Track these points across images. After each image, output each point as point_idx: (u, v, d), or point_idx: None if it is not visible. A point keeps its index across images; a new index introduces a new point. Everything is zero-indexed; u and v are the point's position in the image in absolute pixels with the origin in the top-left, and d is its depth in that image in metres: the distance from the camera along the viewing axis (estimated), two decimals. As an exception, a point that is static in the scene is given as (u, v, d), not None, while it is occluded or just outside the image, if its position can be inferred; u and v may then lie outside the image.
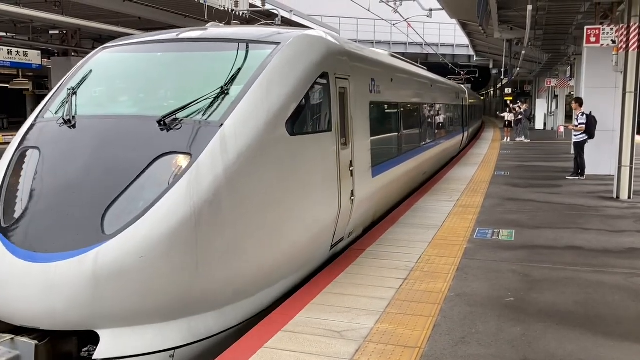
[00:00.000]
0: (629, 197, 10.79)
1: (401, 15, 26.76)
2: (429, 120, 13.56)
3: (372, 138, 7.83)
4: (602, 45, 11.37)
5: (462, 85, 27.04)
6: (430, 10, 26.77)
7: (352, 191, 6.75)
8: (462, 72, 41.32)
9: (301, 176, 5.55)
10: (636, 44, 10.39)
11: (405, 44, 41.11)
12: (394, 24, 32.25)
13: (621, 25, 10.84)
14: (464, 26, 27.81)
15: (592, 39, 11.37)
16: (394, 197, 9.81)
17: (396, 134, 9.81)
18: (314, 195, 5.77)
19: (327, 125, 6.16)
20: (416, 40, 37.00)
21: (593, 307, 5.19)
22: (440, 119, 15.56)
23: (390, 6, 24.37)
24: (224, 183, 4.62)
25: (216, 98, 5.11)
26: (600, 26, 11.45)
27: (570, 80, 27.11)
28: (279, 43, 5.73)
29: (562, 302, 5.27)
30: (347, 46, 7.32)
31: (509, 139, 27.34)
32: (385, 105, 9.11)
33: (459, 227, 8.33)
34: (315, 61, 5.92)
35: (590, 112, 13.13)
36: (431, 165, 13.75)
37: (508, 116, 29.27)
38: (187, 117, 4.97)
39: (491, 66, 45.80)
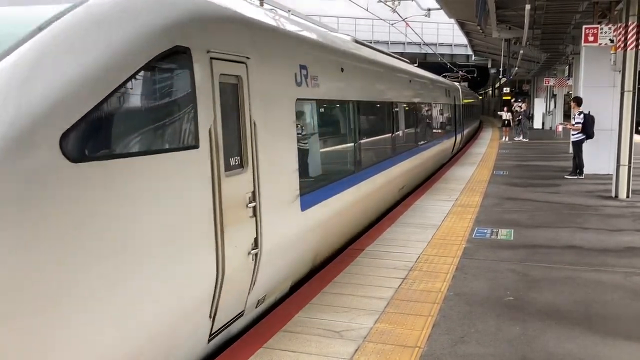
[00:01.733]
0: (628, 196, 10.80)
1: (399, 15, 26.80)
2: (406, 123, 11.46)
3: (304, 152, 5.74)
4: (600, 44, 11.42)
5: (456, 83, 26.47)
6: (429, 9, 26.82)
7: (256, 240, 4.55)
8: (460, 71, 41.32)
9: (108, 235, 3.09)
10: (634, 43, 10.40)
11: (404, 43, 41.12)
12: (392, 24, 32.30)
13: (619, 25, 10.86)
14: (462, 26, 27.84)
15: (590, 38, 11.42)
16: (350, 228, 7.59)
17: (352, 143, 7.56)
18: (146, 265, 3.36)
19: (186, 139, 3.78)
20: (414, 40, 37.05)
21: (592, 306, 5.19)
22: (423, 121, 13.62)
23: (389, 6, 24.41)
24: None
25: None
26: (599, 25, 11.50)
27: (568, 79, 27.18)
28: None
29: (561, 301, 5.28)
30: (244, 10, 4.86)
31: (507, 139, 27.35)
32: (336, 105, 6.97)
33: (457, 226, 8.33)
34: (158, 27, 3.55)
35: (589, 112, 13.15)
36: (411, 177, 11.83)
37: (506, 115, 29.29)
38: None
39: (489, 65, 45.92)
